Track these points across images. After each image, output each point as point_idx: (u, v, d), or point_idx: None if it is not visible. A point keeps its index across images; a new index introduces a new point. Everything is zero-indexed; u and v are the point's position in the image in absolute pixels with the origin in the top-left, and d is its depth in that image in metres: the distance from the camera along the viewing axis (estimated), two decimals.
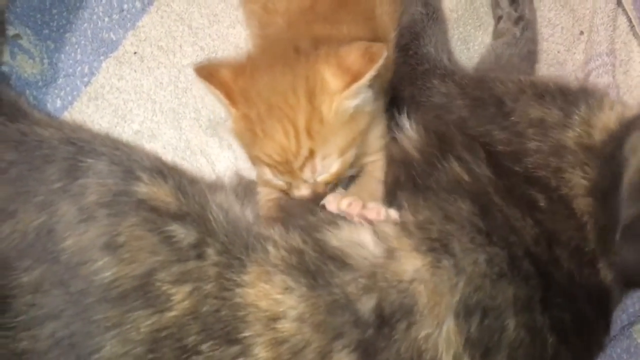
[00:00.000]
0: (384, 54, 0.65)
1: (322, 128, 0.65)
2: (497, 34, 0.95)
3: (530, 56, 0.93)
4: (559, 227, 0.67)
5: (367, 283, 0.62)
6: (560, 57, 0.98)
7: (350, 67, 0.65)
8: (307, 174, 0.67)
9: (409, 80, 0.82)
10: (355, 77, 0.65)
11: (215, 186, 0.70)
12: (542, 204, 0.67)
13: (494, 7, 0.96)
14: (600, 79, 0.93)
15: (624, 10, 0.99)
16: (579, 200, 0.68)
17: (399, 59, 0.83)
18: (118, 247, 0.59)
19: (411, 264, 0.63)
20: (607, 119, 0.71)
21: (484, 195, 0.67)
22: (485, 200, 0.67)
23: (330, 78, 0.66)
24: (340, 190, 0.74)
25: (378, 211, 0.66)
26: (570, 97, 0.73)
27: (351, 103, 0.66)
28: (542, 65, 0.97)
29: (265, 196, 0.74)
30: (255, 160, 0.70)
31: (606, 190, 0.67)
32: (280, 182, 0.70)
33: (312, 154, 0.66)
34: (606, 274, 0.68)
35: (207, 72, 0.68)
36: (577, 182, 0.68)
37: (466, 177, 0.68)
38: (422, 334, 0.61)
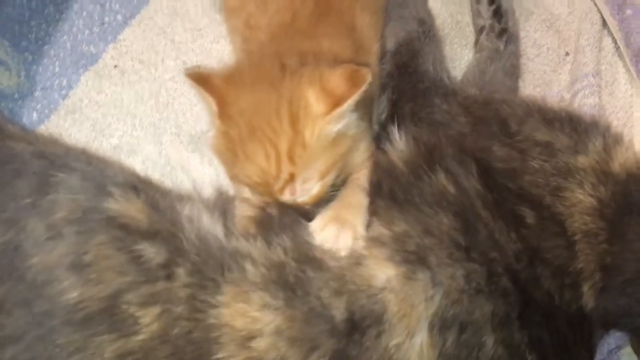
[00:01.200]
0: (368, 79, 0.63)
1: (303, 152, 0.64)
2: (479, 47, 0.94)
3: (514, 70, 0.92)
4: (544, 244, 0.66)
5: (337, 285, 0.61)
6: (546, 78, 0.98)
7: (334, 91, 0.63)
8: (286, 196, 0.66)
9: (409, 96, 0.81)
10: (339, 102, 0.63)
11: (189, 199, 0.68)
12: (529, 220, 0.66)
13: (474, 17, 0.95)
14: (586, 100, 0.93)
15: (609, 31, 0.99)
16: (575, 218, 0.67)
17: (398, 77, 0.83)
18: (85, 267, 0.57)
19: (383, 272, 0.62)
20: (626, 156, 0.71)
21: (469, 208, 0.66)
22: (470, 214, 0.66)
23: (314, 101, 0.64)
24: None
25: (347, 242, 0.65)
26: (582, 128, 0.72)
27: (334, 127, 0.65)
28: (528, 85, 0.96)
29: (243, 212, 0.72)
30: (234, 179, 0.68)
31: (615, 220, 0.67)
32: (258, 202, 0.69)
33: (292, 177, 0.64)
34: (588, 300, 0.67)
35: (200, 76, 0.66)
36: (581, 200, 0.68)
37: (452, 190, 0.67)
38: (393, 342, 0.59)
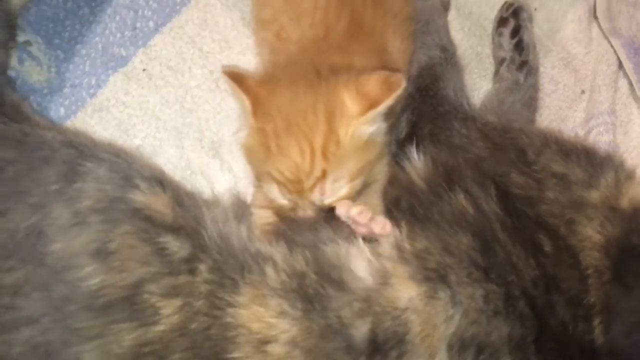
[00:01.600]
0: (403, 84, 0.66)
1: (337, 150, 0.65)
2: (498, 78, 0.95)
3: (532, 103, 0.94)
4: (561, 274, 0.66)
5: (362, 307, 0.61)
6: (561, 114, 1.00)
7: (369, 94, 0.66)
8: (316, 195, 0.67)
9: (429, 118, 0.83)
10: (374, 104, 0.66)
11: (213, 202, 0.69)
12: (547, 248, 0.66)
13: (495, 49, 0.98)
14: (600, 137, 0.94)
15: (624, 73, 1.01)
16: (586, 252, 0.67)
17: (419, 99, 0.84)
18: (108, 255, 0.57)
19: (406, 291, 0.62)
20: (636, 192, 0.71)
21: (488, 230, 0.66)
22: (489, 235, 0.66)
23: (350, 103, 0.66)
24: None
25: (384, 225, 0.66)
26: (597, 162, 0.73)
27: (367, 129, 0.67)
28: (544, 120, 0.98)
29: (261, 219, 0.72)
30: (264, 176, 0.69)
31: (622, 255, 0.67)
32: (285, 202, 0.69)
33: (324, 175, 0.66)
34: (598, 336, 0.67)
35: (237, 76, 0.68)
36: (591, 235, 0.68)
37: (471, 211, 0.68)
38: None
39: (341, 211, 0.67)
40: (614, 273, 0.67)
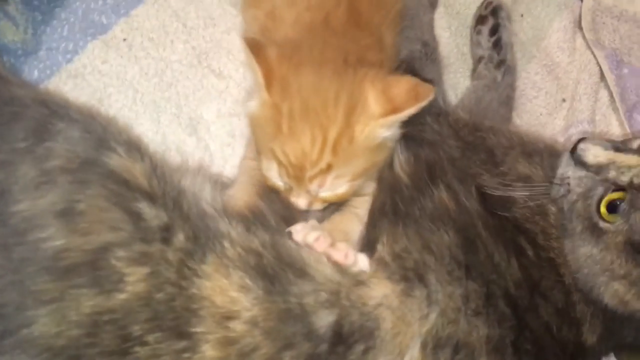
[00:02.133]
0: (431, 96, 0.64)
1: (348, 147, 0.64)
2: (476, 76, 0.95)
3: (509, 101, 0.94)
4: (544, 282, 0.66)
5: (329, 298, 0.59)
6: (542, 119, 1.00)
7: (395, 98, 0.64)
8: (314, 186, 0.65)
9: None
10: (396, 110, 0.64)
11: (188, 170, 0.66)
12: (529, 252, 0.66)
13: (474, 47, 0.97)
14: None
15: (606, 84, 1.02)
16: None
17: None
18: (75, 216, 0.55)
19: (381, 290, 0.61)
20: None
21: (470, 227, 0.66)
22: (471, 232, 0.66)
23: (373, 102, 0.64)
24: (317, 217, 0.71)
25: (346, 254, 0.63)
26: (557, 162, 0.72)
27: (383, 133, 0.66)
28: (524, 124, 0.98)
29: (248, 168, 0.71)
30: (266, 152, 0.66)
31: None
32: (280, 183, 0.67)
33: (329, 168, 0.64)
34: (587, 337, 0.67)
35: (255, 45, 0.65)
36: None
37: (453, 207, 0.67)
38: None
39: (297, 237, 0.64)
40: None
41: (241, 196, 0.68)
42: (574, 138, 0.95)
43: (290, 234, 0.65)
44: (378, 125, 0.64)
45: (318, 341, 0.57)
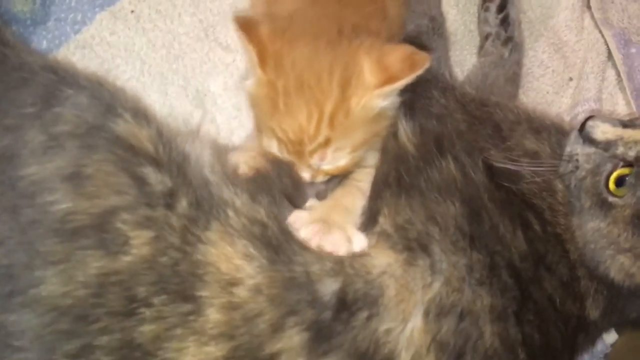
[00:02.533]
0: (427, 64, 0.64)
1: (345, 120, 0.63)
2: (483, 53, 0.95)
3: (516, 78, 0.93)
4: (550, 256, 0.66)
5: (334, 267, 0.60)
6: (548, 98, 1.00)
7: (390, 67, 0.64)
8: (315, 160, 0.65)
9: (409, 86, 0.82)
10: (392, 79, 0.64)
11: (194, 137, 0.67)
12: (536, 227, 0.67)
13: (481, 24, 0.97)
14: None
15: (613, 64, 1.02)
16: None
17: None
18: (83, 180, 0.56)
19: (384, 259, 0.62)
20: None
21: (476, 199, 0.66)
22: (477, 204, 0.66)
23: (368, 72, 0.64)
24: (320, 190, 0.71)
25: (338, 247, 0.63)
26: (564, 139, 0.73)
27: (380, 103, 0.65)
28: (531, 102, 0.98)
29: (246, 159, 0.71)
30: (266, 130, 0.67)
31: None
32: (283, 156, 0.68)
33: (327, 142, 0.64)
34: (590, 312, 0.68)
35: (247, 24, 0.65)
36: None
37: (460, 178, 0.68)
38: (383, 327, 0.59)
39: (295, 226, 0.65)
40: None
41: (246, 159, 0.68)
42: (581, 117, 0.95)
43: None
44: (374, 96, 0.64)
45: (322, 308, 0.58)
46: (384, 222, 0.66)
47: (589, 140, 0.66)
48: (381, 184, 0.71)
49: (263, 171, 0.67)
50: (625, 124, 0.67)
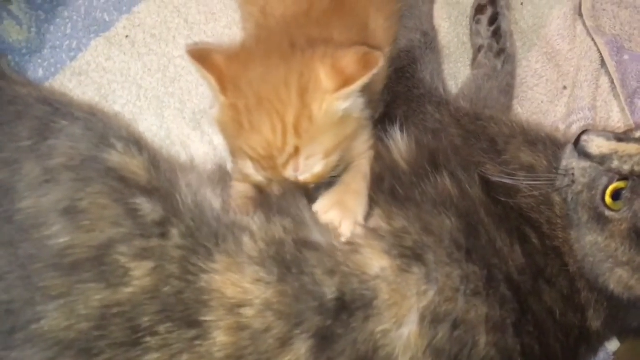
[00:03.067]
0: (380, 62, 0.64)
1: (310, 126, 0.64)
2: (476, 65, 0.96)
3: (509, 90, 0.94)
4: (549, 269, 0.67)
5: (330, 265, 0.61)
6: (543, 107, 1.01)
7: (345, 70, 0.65)
8: (289, 171, 0.66)
9: (404, 100, 0.83)
10: (348, 81, 0.64)
11: (189, 168, 0.68)
12: (535, 241, 0.67)
13: (473, 36, 0.97)
14: None
15: (607, 71, 1.02)
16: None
17: (395, 80, 0.84)
18: (78, 213, 0.56)
19: (377, 262, 0.62)
20: None
21: (473, 214, 0.67)
22: (474, 218, 0.66)
23: (324, 77, 0.65)
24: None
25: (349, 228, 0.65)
26: (559, 152, 0.73)
27: (341, 105, 0.66)
28: (526, 113, 0.99)
29: (240, 193, 0.72)
30: (238, 152, 0.68)
31: None
32: (260, 178, 0.68)
33: (297, 151, 0.64)
34: (592, 323, 0.68)
35: (201, 54, 0.67)
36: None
37: (456, 193, 0.68)
38: (380, 328, 0.59)
39: (318, 210, 0.67)
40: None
41: (243, 194, 0.69)
42: (576, 126, 0.96)
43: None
44: (334, 100, 0.65)
45: (327, 313, 0.58)
46: (376, 220, 0.67)
47: (584, 154, 0.67)
48: (375, 185, 0.71)
49: (260, 194, 0.68)
50: (619, 138, 0.67)
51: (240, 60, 0.67)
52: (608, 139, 0.66)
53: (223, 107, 0.67)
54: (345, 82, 0.64)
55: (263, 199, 0.69)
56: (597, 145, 0.66)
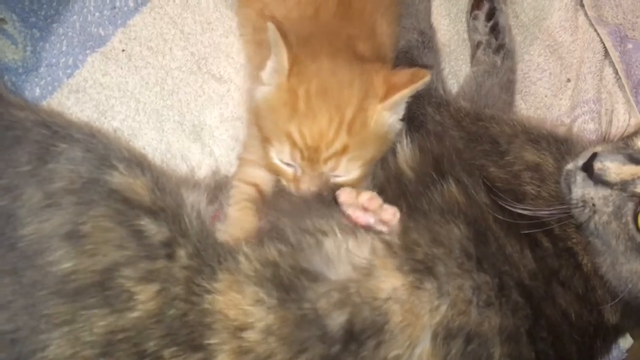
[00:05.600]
0: (427, 78, 0.67)
1: (362, 130, 0.67)
2: (476, 62, 0.94)
3: (510, 85, 0.93)
4: (565, 273, 0.66)
5: (341, 297, 0.60)
6: (547, 101, 0.99)
7: (395, 83, 0.68)
8: (327, 168, 0.67)
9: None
10: (396, 89, 0.67)
11: (193, 186, 0.67)
12: (546, 244, 0.66)
13: (471, 33, 0.96)
14: (586, 125, 0.94)
15: (610, 62, 1.00)
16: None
17: None
18: (81, 238, 0.56)
19: (390, 282, 0.61)
20: None
21: (481, 220, 0.66)
22: (482, 225, 0.65)
23: (378, 87, 0.68)
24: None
25: (394, 213, 0.65)
26: (563, 147, 0.72)
27: (388, 117, 0.69)
28: (530, 107, 0.98)
29: (242, 194, 0.72)
30: (279, 136, 0.67)
31: None
32: (289, 169, 0.69)
33: (344, 150, 0.66)
34: (610, 317, 0.68)
35: (282, 28, 0.67)
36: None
37: (463, 200, 0.67)
38: (392, 354, 0.58)
39: (345, 198, 0.66)
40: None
41: (234, 232, 0.69)
42: (580, 120, 0.95)
43: (338, 196, 0.67)
44: (383, 109, 0.68)
45: (332, 342, 0.58)
46: (391, 237, 0.65)
47: (602, 182, 0.64)
48: (382, 197, 0.70)
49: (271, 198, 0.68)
50: (634, 159, 0.64)
51: (308, 49, 0.68)
52: (623, 162, 0.64)
53: (280, 88, 0.68)
54: (392, 89, 0.68)
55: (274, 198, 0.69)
56: (615, 172, 0.63)
